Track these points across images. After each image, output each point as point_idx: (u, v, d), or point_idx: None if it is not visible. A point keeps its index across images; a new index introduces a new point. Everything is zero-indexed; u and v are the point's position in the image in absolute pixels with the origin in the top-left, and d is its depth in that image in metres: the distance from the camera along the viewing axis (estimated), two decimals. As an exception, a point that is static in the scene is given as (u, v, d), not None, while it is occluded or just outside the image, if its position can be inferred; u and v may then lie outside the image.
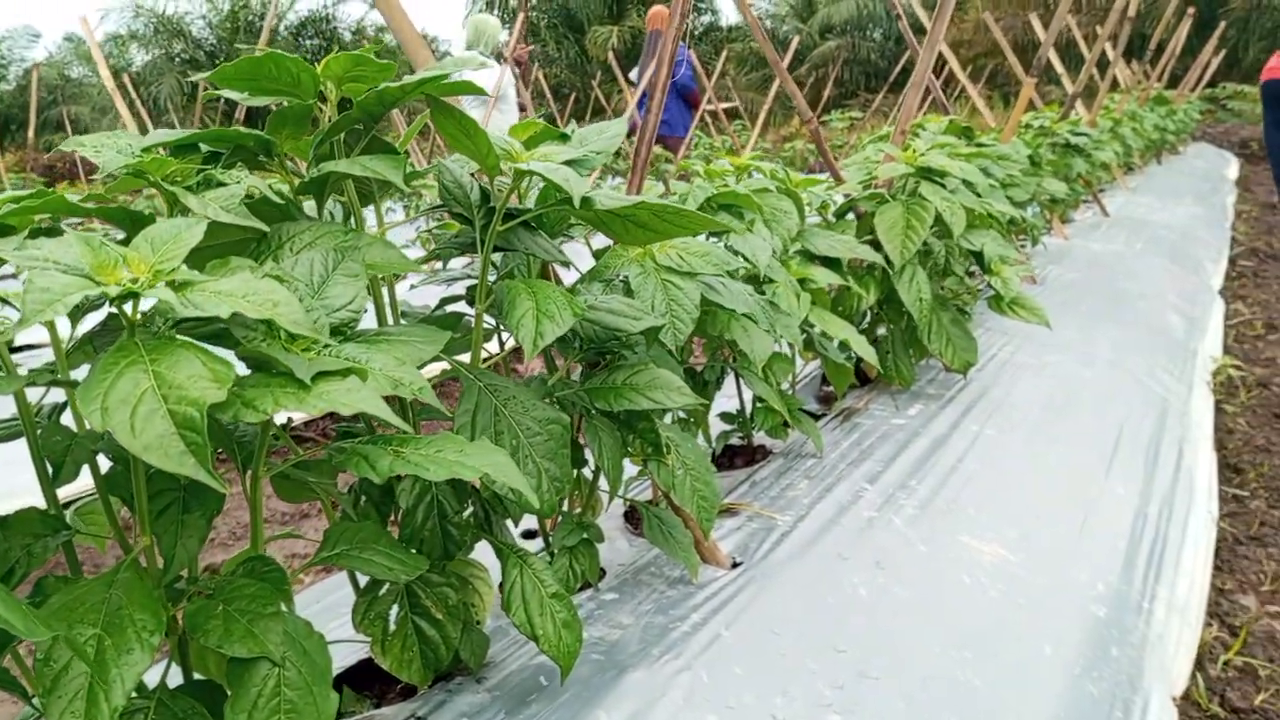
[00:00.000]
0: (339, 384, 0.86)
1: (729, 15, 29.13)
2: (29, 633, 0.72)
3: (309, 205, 1.26)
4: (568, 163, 1.25)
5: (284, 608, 0.97)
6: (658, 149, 8.34)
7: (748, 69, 24.47)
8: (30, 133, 7.56)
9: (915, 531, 1.89)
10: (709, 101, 8.87)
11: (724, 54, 8.92)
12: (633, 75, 7.62)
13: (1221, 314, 4.69)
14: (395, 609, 1.31)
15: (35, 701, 0.90)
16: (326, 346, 0.96)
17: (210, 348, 0.83)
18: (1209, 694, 1.86)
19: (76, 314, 0.90)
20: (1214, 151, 13.45)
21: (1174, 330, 4.08)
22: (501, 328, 1.59)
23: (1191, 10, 9.44)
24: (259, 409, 0.81)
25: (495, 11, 25.45)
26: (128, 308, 0.81)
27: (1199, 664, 1.95)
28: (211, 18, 28.26)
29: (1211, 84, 16.83)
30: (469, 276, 1.56)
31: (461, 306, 1.56)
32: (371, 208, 1.39)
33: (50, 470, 1.00)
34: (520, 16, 5.73)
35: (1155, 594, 2.03)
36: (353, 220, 1.30)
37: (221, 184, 1.01)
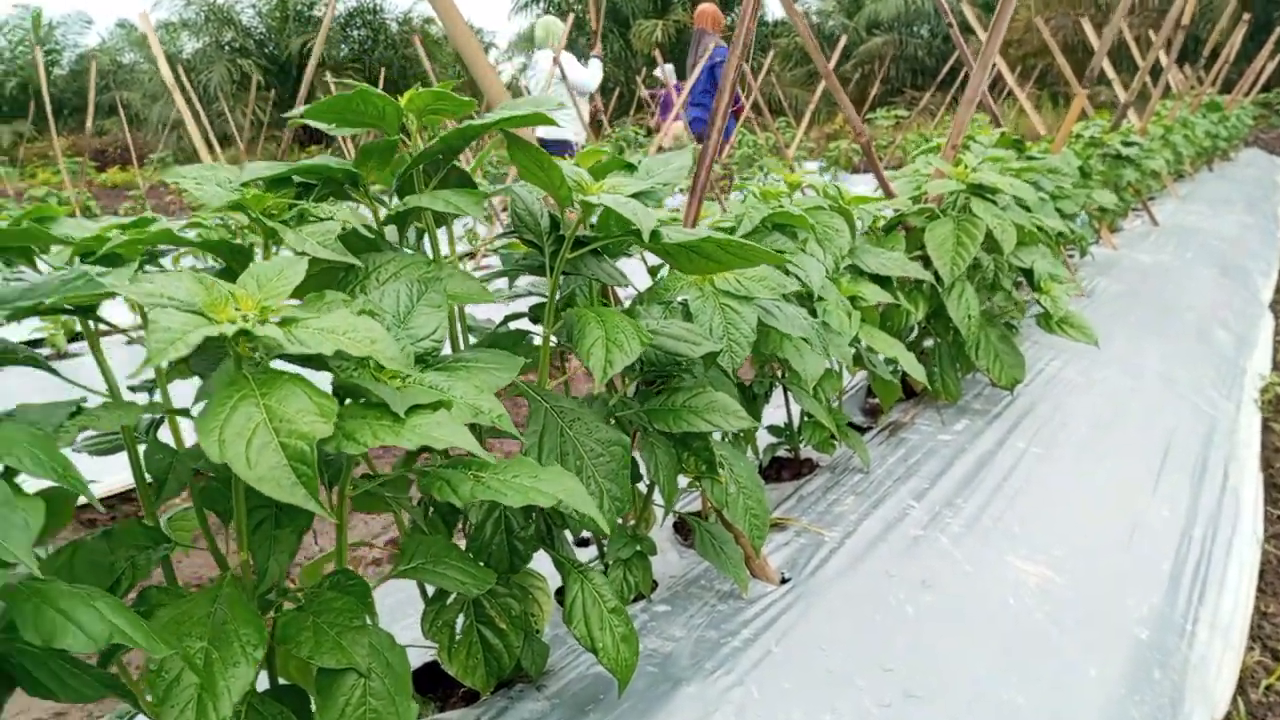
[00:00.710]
0: (430, 418, 0.91)
1: (774, 9, 28.96)
2: (151, 649, 0.79)
3: (389, 229, 1.32)
4: (635, 195, 1.30)
5: (368, 620, 1.03)
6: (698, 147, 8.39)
7: (792, 64, 24.34)
8: (89, 122, 7.72)
9: (961, 551, 1.92)
10: (747, 95, 8.89)
11: (770, 52, 8.90)
12: (658, 72, 7.68)
13: (1271, 329, 4.64)
14: (461, 618, 1.37)
15: (141, 706, 0.96)
16: (410, 376, 1.02)
17: (300, 370, 0.88)
18: (1249, 719, 1.87)
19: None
20: (1266, 158, 13.22)
21: (1222, 346, 4.05)
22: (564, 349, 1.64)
23: (1247, 16, 9.28)
24: (359, 441, 0.87)
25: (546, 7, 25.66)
26: (238, 342, 0.87)
27: (1240, 688, 1.96)
28: (261, 6, 28.57)
29: (1266, 88, 16.52)
30: (530, 293, 1.61)
31: (523, 324, 1.61)
32: (441, 229, 1.45)
33: (144, 482, 1.06)
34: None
35: (1198, 616, 2.04)
36: (426, 244, 1.36)
37: (316, 218, 1.07)
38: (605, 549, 1.66)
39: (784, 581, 1.73)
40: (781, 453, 2.34)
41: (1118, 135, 5.10)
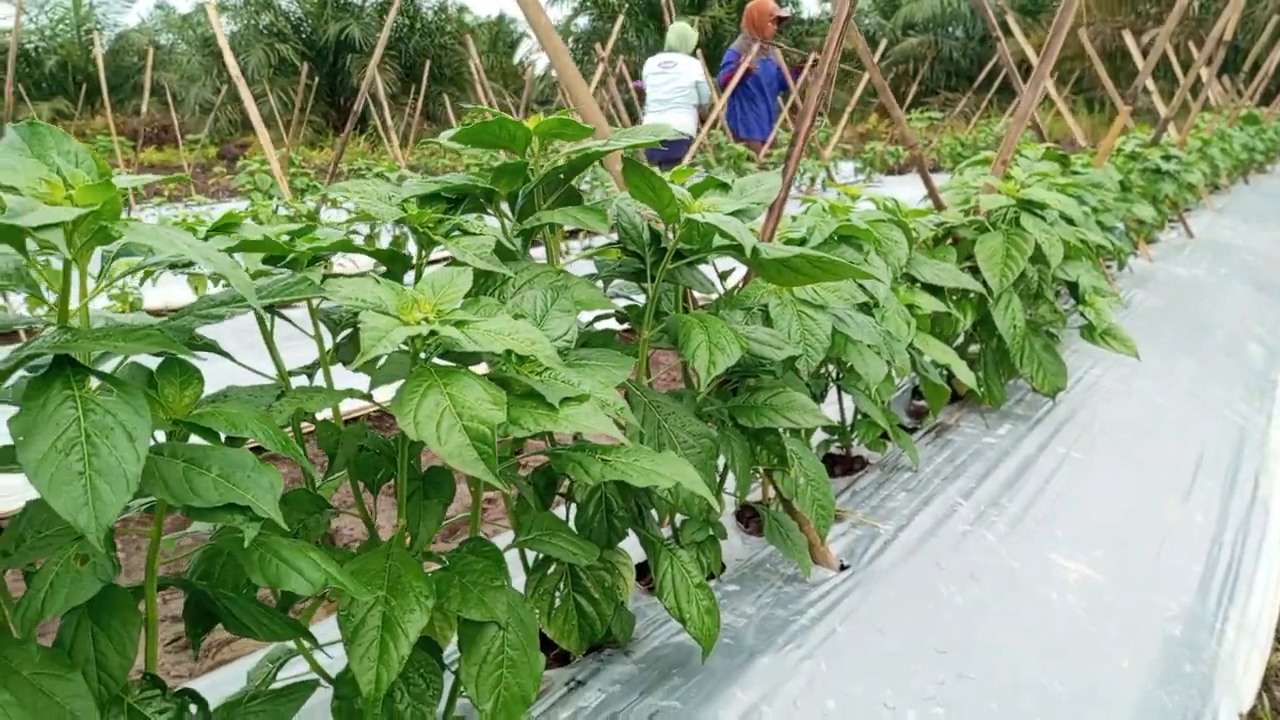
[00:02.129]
0: (579, 408, 1.06)
1: (809, 7, 28.97)
2: (357, 594, 0.94)
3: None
4: (733, 212, 1.44)
5: (505, 581, 1.18)
6: (740, 148, 8.58)
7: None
8: (144, 105, 7.94)
9: (1006, 547, 2.06)
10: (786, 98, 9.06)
11: (811, 56, 9.00)
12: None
13: (1303, 344, 4.72)
14: (560, 586, 1.52)
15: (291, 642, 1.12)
16: (547, 370, 1.17)
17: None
18: (1274, 714, 2.00)
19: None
20: (1304, 171, 13.18)
21: (1254, 360, 4.14)
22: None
23: (1290, 29, 9.29)
24: (524, 427, 1.02)
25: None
26: (418, 340, 1.03)
27: (1265, 685, 2.09)
28: (300, -9, 28.85)
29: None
30: (617, 295, 1.76)
31: (610, 324, 1.76)
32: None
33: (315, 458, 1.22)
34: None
35: (1227, 616, 2.17)
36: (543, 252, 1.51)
37: (468, 232, 1.22)
38: (679, 531, 1.80)
39: (843, 569, 1.87)
40: (834, 450, 2.48)
41: (1158, 150, 5.19)
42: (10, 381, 0.84)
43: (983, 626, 1.81)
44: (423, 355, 1.08)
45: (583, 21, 28.66)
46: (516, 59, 31.94)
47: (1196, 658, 1.96)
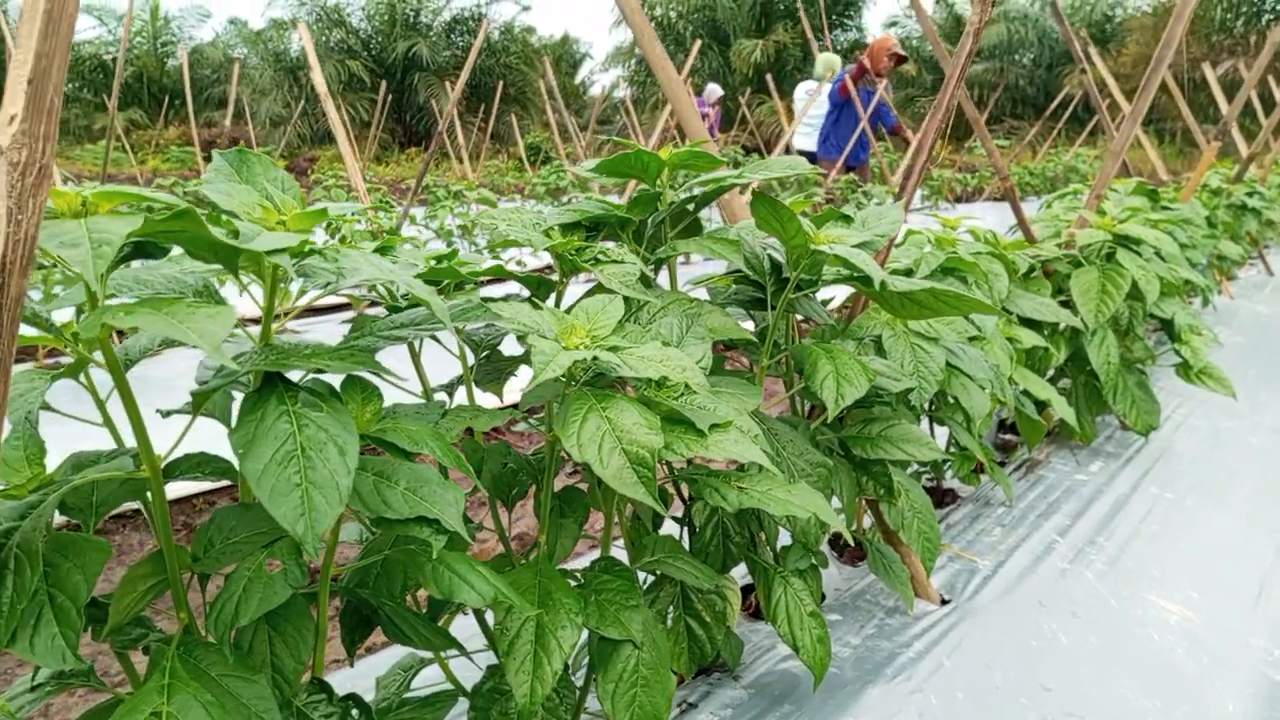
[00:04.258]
0: (725, 435, 1.09)
1: (875, 30, 28.93)
2: (523, 608, 0.97)
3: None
4: (859, 245, 1.46)
5: (640, 600, 1.21)
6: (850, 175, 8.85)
7: (894, 87, 24.30)
8: (228, 118, 8.16)
9: (1106, 586, 2.04)
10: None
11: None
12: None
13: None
14: (672, 609, 1.54)
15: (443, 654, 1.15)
16: (683, 395, 1.19)
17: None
18: (1383, 769, 1.95)
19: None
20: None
21: (1345, 402, 4.05)
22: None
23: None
24: (677, 452, 1.04)
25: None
26: (576, 364, 1.06)
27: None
28: (369, 9, 29.45)
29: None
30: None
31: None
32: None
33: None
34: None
35: (1330, 666, 2.12)
36: (665, 278, 1.54)
37: (611, 260, 1.25)
38: (781, 558, 1.82)
39: (944, 602, 1.87)
40: (924, 483, 2.48)
41: (1242, 186, 5.10)
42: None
43: (1087, 665, 1.79)
44: (576, 378, 1.12)
45: (644, 45, 28.82)
46: (578, 79, 32.29)
47: (1301, 707, 1.92)
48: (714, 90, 12.14)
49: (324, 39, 29.59)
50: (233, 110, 8.26)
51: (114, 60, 27.67)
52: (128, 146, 16.76)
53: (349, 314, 5.38)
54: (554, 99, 8.35)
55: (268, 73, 28.23)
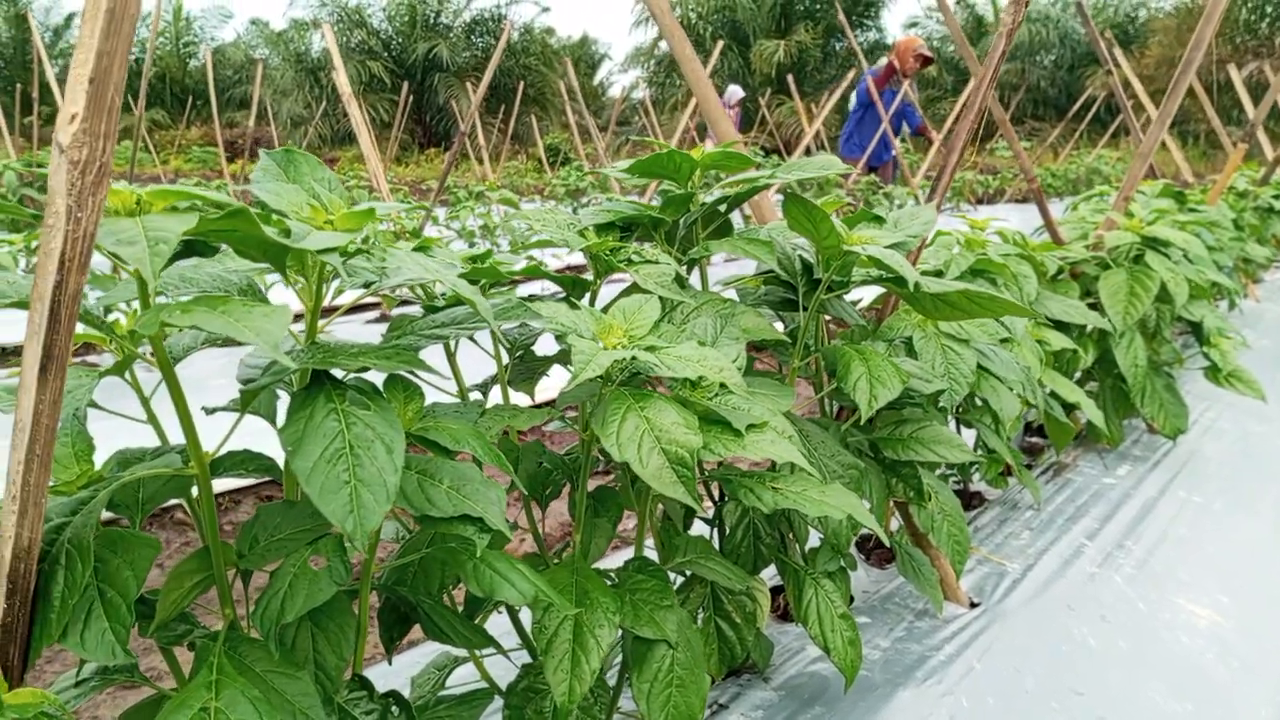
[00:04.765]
0: (761, 435, 1.09)
1: (894, 31, 28.84)
2: (563, 607, 0.98)
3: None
4: (892, 245, 1.46)
5: (674, 601, 1.21)
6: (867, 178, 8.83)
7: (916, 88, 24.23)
8: (252, 119, 8.22)
9: (1134, 590, 2.02)
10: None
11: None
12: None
13: None
14: (701, 610, 1.54)
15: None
16: (717, 396, 1.19)
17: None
18: None
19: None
20: None
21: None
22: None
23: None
24: (714, 451, 1.05)
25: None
26: (614, 363, 1.06)
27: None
28: (390, 10, 29.58)
29: None
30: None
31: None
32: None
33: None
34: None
35: (1362, 674, 2.10)
36: (696, 278, 1.54)
37: (645, 260, 1.25)
38: (809, 561, 1.81)
39: (973, 605, 1.86)
40: (951, 485, 2.47)
41: (1269, 188, 5.06)
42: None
43: (1116, 668, 1.78)
44: (613, 378, 1.12)
45: (666, 45, 28.92)
46: (597, 80, 32.34)
47: (1335, 714, 1.90)
48: (735, 92, 12.10)
49: (345, 40, 29.71)
50: (256, 111, 8.30)
51: (138, 61, 27.92)
52: (151, 146, 16.91)
53: (370, 314, 5.42)
54: (575, 99, 8.36)
55: (289, 73, 28.40)
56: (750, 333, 1.33)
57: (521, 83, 13.99)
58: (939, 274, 1.99)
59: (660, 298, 1.30)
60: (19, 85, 10.33)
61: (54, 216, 0.64)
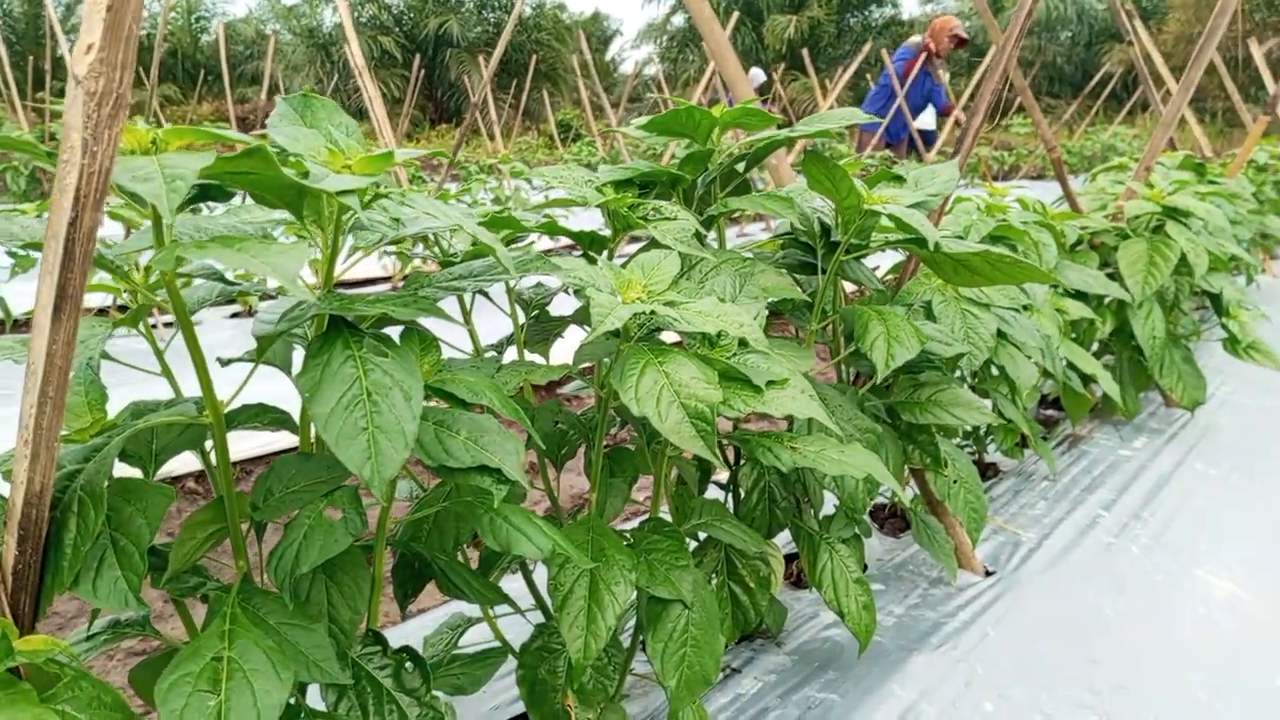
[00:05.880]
0: (782, 392, 1.08)
1: (909, 8, 28.56)
2: (581, 561, 0.97)
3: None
4: (913, 205, 1.44)
5: (689, 561, 1.20)
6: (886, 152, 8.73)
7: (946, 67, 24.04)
8: (264, 93, 8.19)
9: (1151, 561, 2.01)
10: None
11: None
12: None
13: None
14: (715, 574, 1.53)
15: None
16: (736, 354, 1.18)
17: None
18: None
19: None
20: None
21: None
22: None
23: None
24: (734, 407, 1.03)
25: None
26: (632, 318, 1.05)
27: None
28: (402, -16, 29.42)
29: None
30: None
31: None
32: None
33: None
34: None
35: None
36: (713, 237, 1.53)
37: (664, 217, 1.24)
38: (824, 527, 1.80)
39: (988, 574, 1.85)
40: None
41: (1290, 162, 5.00)
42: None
43: (1133, 638, 1.77)
44: (631, 334, 1.11)
45: (679, 20, 28.73)
46: (608, 56, 32.15)
47: (1352, 685, 1.89)
48: (756, 75, 11.94)
49: (357, 15, 29.54)
50: (268, 86, 8.27)
51: (149, 36, 27.87)
52: (162, 122, 16.85)
53: (382, 287, 5.41)
54: (588, 75, 8.30)
55: (300, 48, 28.32)
56: (770, 291, 1.31)
57: (533, 58, 13.88)
58: (960, 239, 1.97)
59: (679, 255, 1.29)
60: (31, 58, 10.30)
61: (69, 151, 0.63)
